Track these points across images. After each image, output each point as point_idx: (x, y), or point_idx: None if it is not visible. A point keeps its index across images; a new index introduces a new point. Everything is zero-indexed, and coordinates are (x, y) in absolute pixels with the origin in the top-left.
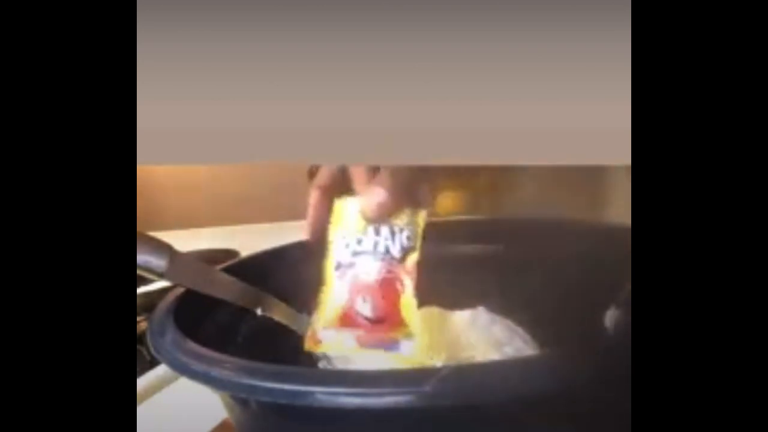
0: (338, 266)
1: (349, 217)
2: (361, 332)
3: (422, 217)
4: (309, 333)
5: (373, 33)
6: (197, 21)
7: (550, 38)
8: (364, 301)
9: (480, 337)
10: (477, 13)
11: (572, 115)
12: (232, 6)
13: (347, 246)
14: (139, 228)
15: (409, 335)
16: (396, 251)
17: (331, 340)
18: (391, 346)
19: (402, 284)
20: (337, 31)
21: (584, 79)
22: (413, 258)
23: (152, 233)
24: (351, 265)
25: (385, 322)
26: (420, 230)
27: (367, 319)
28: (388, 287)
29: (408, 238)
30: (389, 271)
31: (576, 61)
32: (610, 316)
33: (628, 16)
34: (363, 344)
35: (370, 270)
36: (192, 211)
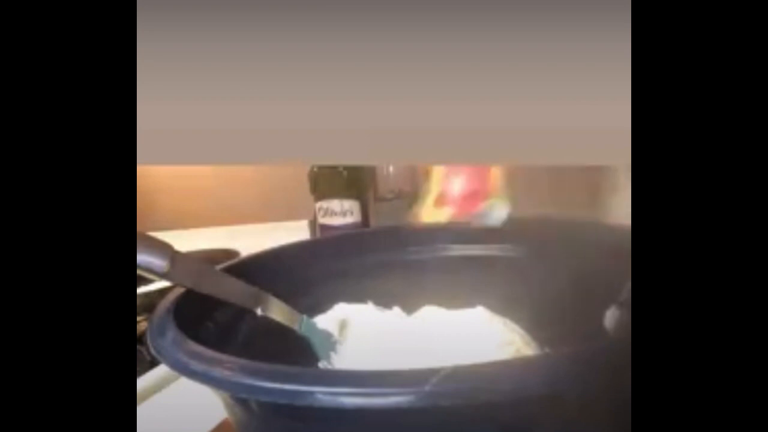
0: None
1: None
2: (454, 208)
3: None
4: (414, 216)
5: (373, 33)
6: (197, 21)
7: (550, 38)
8: (456, 176)
9: (480, 337)
10: (477, 14)
11: (572, 115)
12: (231, 6)
13: None
14: (139, 228)
15: (496, 205)
16: None
17: (430, 218)
18: (481, 216)
19: None
20: (336, 32)
21: (584, 79)
22: None
23: (152, 233)
24: None
25: (476, 197)
26: None
27: (458, 196)
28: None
29: None
30: None
31: (576, 61)
32: (610, 316)
33: (628, 16)
34: (457, 217)
35: None
36: (192, 211)
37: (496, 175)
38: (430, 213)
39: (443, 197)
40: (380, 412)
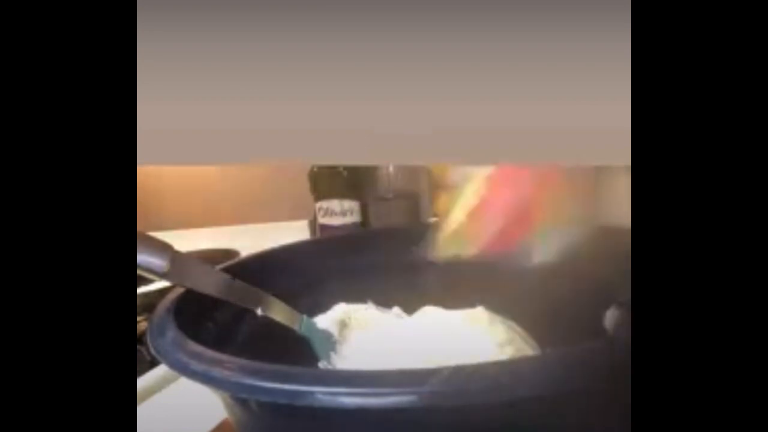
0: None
1: None
2: (494, 227)
3: None
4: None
5: (372, 33)
6: (197, 21)
7: (550, 38)
8: (506, 187)
9: (480, 337)
10: (477, 13)
11: (572, 115)
12: (232, 6)
13: None
14: (139, 228)
15: (548, 235)
16: None
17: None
18: (527, 251)
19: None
20: (336, 31)
21: (584, 79)
22: None
23: (152, 233)
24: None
25: (523, 222)
26: None
27: (503, 213)
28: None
29: None
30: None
31: (576, 61)
32: (610, 316)
33: (628, 16)
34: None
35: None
36: (192, 211)
37: (556, 190)
38: (457, 233)
39: (483, 210)
40: (380, 413)
